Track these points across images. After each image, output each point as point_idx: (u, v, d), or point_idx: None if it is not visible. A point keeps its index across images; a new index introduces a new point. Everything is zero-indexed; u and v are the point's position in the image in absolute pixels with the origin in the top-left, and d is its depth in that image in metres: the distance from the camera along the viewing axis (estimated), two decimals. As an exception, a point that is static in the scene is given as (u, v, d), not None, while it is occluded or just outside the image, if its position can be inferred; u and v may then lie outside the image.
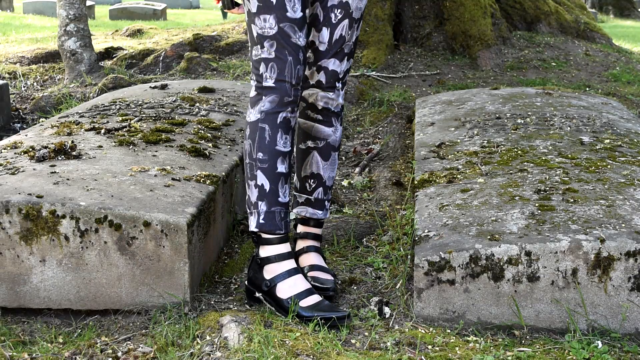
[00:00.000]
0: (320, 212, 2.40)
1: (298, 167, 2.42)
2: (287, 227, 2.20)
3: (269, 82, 2.14)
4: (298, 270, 2.18)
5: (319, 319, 2.04)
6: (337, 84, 2.31)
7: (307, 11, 2.18)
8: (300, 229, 2.42)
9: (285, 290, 2.13)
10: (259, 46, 2.15)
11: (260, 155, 2.16)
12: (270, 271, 2.16)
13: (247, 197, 2.23)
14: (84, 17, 5.79)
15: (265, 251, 2.18)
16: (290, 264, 2.17)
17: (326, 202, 2.41)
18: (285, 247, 2.19)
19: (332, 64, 2.28)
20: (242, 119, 3.31)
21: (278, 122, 2.15)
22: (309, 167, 2.38)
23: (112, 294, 2.12)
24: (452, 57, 6.12)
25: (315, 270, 2.31)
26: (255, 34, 2.15)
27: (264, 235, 2.19)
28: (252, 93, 2.20)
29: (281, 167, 2.17)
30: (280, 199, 2.17)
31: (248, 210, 2.21)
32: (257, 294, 2.19)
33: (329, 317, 2.05)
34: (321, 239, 2.44)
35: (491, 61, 5.94)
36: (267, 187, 2.16)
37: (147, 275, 2.11)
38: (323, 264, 2.36)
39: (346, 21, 2.26)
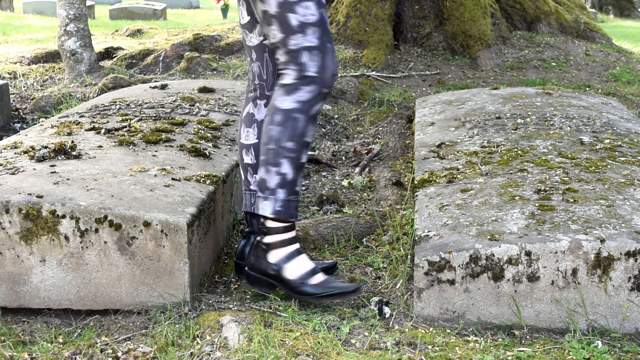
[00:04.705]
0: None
1: None
2: (297, 215, 2.23)
3: (312, 72, 2.12)
4: (301, 251, 2.22)
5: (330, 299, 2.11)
6: None
7: None
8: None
9: (293, 270, 2.17)
10: (299, 35, 2.10)
11: (290, 144, 2.15)
12: (276, 255, 2.20)
13: (260, 178, 2.20)
14: (84, 17, 5.79)
15: (271, 238, 2.21)
16: (295, 246, 2.21)
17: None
18: (291, 233, 2.21)
19: None
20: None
21: (312, 113, 2.15)
22: None
23: (112, 294, 2.12)
24: (452, 57, 6.11)
25: None
26: (295, 23, 2.10)
27: (273, 224, 2.19)
28: (288, 80, 2.15)
29: (304, 158, 2.19)
30: (297, 188, 2.19)
31: (261, 193, 2.20)
32: (265, 278, 2.22)
33: (340, 292, 2.11)
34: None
35: (491, 61, 5.94)
36: (290, 176, 2.16)
37: (147, 275, 2.11)
38: None
39: None
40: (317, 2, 2.11)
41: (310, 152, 4.01)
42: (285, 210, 2.17)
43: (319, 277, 2.16)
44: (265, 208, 2.18)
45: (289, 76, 2.15)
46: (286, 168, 2.16)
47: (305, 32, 2.10)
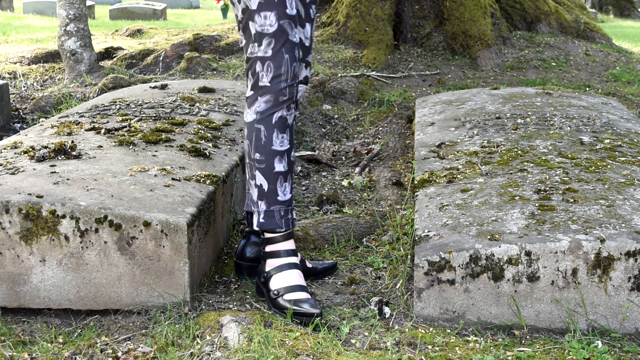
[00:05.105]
0: None
1: None
2: (289, 225, 2.22)
3: (264, 82, 2.14)
4: (297, 266, 2.21)
5: (293, 313, 2.08)
6: None
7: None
8: None
9: (277, 282, 2.18)
10: (256, 44, 2.13)
11: (257, 155, 2.19)
12: (270, 264, 2.22)
13: (250, 195, 2.29)
14: (84, 17, 5.79)
15: (269, 247, 2.23)
16: (290, 259, 2.21)
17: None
18: (287, 244, 2.22)
19: (309, 58, 2.35)
20: (242, 119, 3.31)
21: (273, 122, 2.16)
22: None
23: (112, 294, 2.12)
24: (452, 57, 6.11)
25: None
26: (253, 32, 2.13)
27: (266, 234, 2.22)
28: (248, 92, 2.20)
29: (279, 167, 2.19)
30: (279, 198, 2.20)
31: (252, 208, 2.26)
32: (261, 285, 2.25)
33: (299, 312, 2.08)
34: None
35: (491, 61, 5.94)
36: (265, 187, 2.19)
37: (147, 275, 2.11)
38: None
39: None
40: (278, 13, 2.11)
41: (310, 152, 4.01)
42: (268, 222, 2.20)
43: (295, 295, 2.14)
44: (253, 221, 2.24)
45: (248, 86, 2.21)
46: (260, 179, 2.20)
47: (261, 42, 2.13)
